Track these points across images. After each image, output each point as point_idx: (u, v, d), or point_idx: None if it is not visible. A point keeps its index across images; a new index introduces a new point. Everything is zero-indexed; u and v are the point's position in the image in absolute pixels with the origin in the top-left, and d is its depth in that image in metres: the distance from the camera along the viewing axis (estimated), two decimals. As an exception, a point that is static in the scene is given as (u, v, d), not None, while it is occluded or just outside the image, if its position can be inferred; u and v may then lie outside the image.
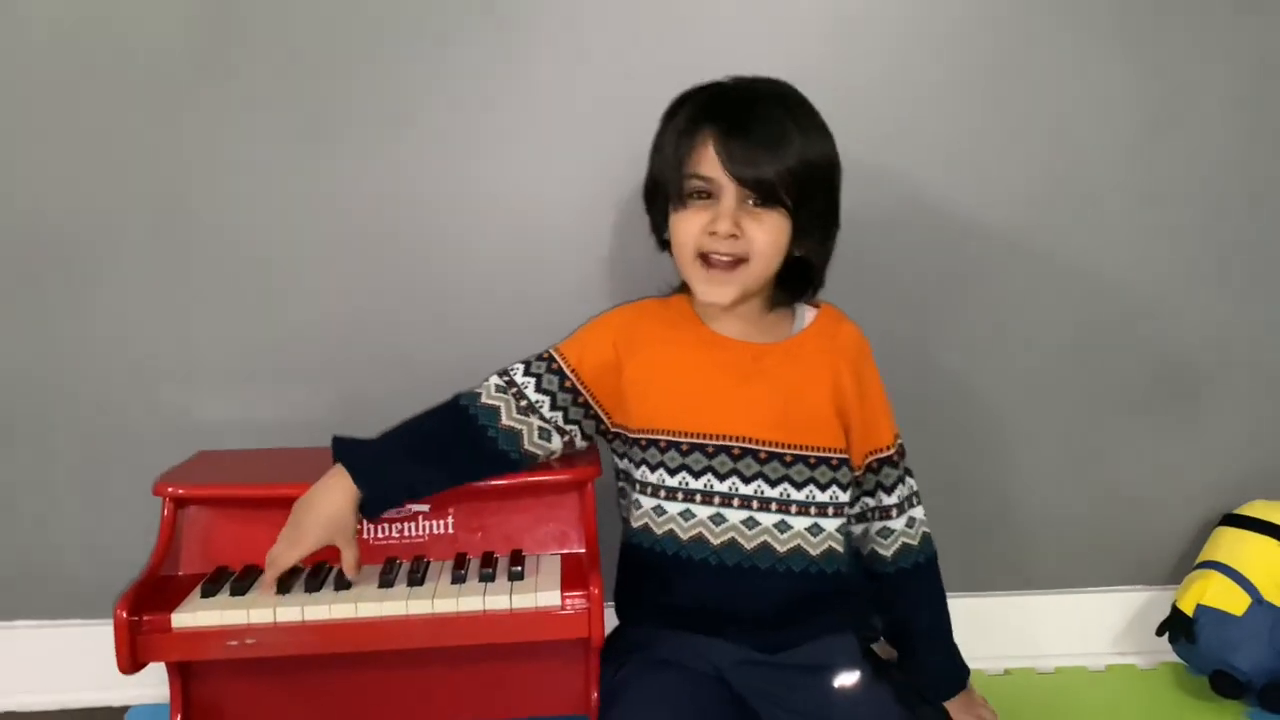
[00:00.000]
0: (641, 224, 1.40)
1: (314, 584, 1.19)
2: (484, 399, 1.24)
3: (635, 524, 1.25)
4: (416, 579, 1.20)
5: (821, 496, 1.23)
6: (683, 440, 1.22)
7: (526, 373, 1.26)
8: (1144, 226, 1.53)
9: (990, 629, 1.42)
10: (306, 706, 1.30)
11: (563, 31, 1.43)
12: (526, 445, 1.24)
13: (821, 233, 1.23)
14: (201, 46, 1.41)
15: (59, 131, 1.41)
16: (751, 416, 1.22)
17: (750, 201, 1.17)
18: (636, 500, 1.25)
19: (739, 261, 1.18)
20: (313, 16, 1.41)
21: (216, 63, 1.41)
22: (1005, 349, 1.54)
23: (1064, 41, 1.47)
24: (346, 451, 1.21)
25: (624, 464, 1.29)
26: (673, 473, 1.22)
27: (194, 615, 1.15)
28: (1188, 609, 1.47)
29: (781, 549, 1.21)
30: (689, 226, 1.19)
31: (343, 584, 1.19)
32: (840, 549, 1.24)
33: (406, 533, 1.27)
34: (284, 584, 1.18)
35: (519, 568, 1.21)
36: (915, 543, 1.30)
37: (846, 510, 1.26)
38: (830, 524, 1.23)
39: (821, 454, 1.23)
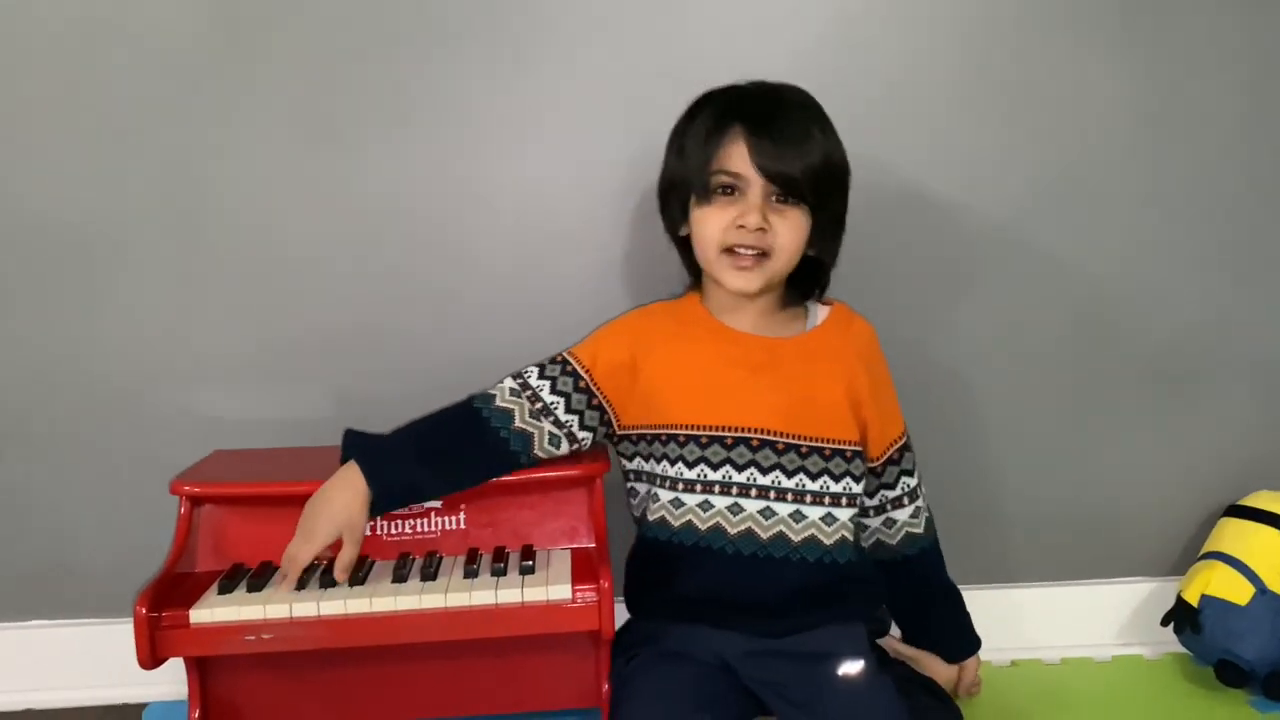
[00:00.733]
0: (644, 225, 1.43)
1: (329, 579, 1.20)
2: (498, 401, 1.26)
3: (651, 518, 1.26)
4: (430, 573, 1.21)
5: (836, 487, 1.25)
6: (701, 433, 1.24)
7: (541, 375, 1.28)
8: (1146, 219, 1.54)
9: (996, 621, 1.43)
10: (321, 700, 1.32)
11: (568, 34, 1.45)
12: (536, 449, 1.26)
13: (834, 233, 1.27)
14: (213, 48, 1.42)
15: (71, 132, 1.43)
16: (767, 408, 1.24)
17: (774, 198, 1.21)
18: (654, 494, 1.27)
19: (763, 256, 1.21)
20: (322, 18, 1.42)
21: (227, 64, 1.43)
22: (1011, 341, 1.55)
23: (1065, 36, 1.48)
24: (359, 449, 1.22)
25: (635, 463, 1.31)
26: (691, 465, 1.24)
27: (211, 611, 1.17)
28: (1192, 599, 1.48)
29: (796, 538, 1.23)
30: (715, 221, 1.22)
31: (357, 580, 1.21)
32: (852, 539, 1.27)
33: (419, 528, 1.29)
34: (299, 580, 1.20)
35: (530, 562, 1.23)
36: (920, 530, 1.35)
37: (860, 501, 1.28)
38: (843, 514, 1.25)
39: (836, 446, 1.25)
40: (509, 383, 1.28)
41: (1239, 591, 1.45)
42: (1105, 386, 1.58)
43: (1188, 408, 1.59)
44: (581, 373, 1.27)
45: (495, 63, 1.45)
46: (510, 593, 1.18)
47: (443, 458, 1.24)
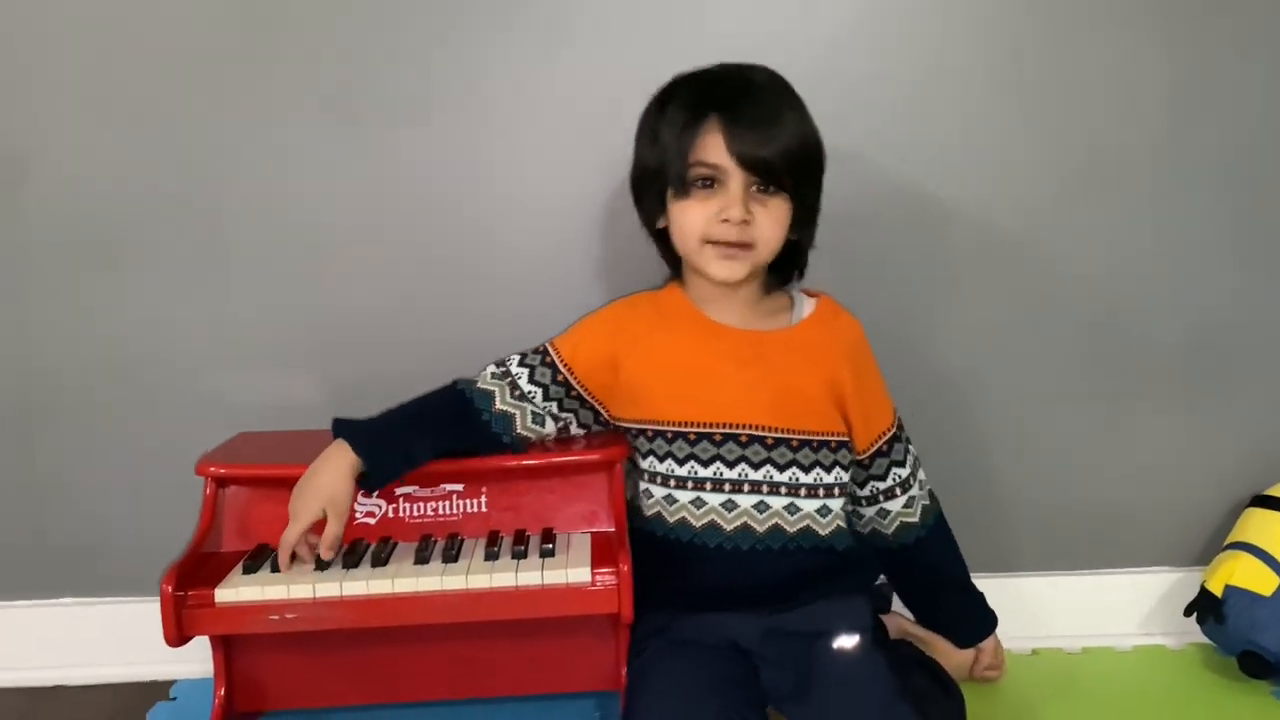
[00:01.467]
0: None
1: (351, 560, 1.22)
2: (479, 384, 1.28)
3: (647, 512, 1.27)
4: (451, 555, 1.23)
5: (828, 478, 1.25)
6: (689, 430, 1.24)
7: (521, 364, 1.29)
8: (1169, 210, 1.52)
9: (1017, 609, 1.43)
10: (344, 679, 1.34)
11: (591, 22, 1.44)
12: (519, 429, 1.27)
13: (811, 216, 1.25)
14: (236, 35, 1.43)
15: (97, 120, 1.45)
16: (755, 403, 1.24)
17: (755, 187, 1.19)
18: (647, 490, 1.27)
19: (746, 248, 1.20)
20: (345, 6, 1.43)
21: (250, 51, 1.44)
22: (1038, 331, 1.54)
23: (1088, 27, 1.47)
24: (344, 427, 1.23)
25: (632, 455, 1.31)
26: (681, 462, 1.24)
27: (236, 591, 1.18)
28: (1216, 589, 1.47)
29: (792, 530, 1.24)
30: (695, 215, 1.20)
31: (380, 560, 1.22)
32: (847, 526, 1.27)
33: (441, 510, 1.30)
34: (322, 560, 1.21)
35: (550, 545, 1.24)
36: (915, 519, 1.33)
37: (851, 490, 1.29)
38: (836, 504, 1.26)
39: (823, 437, 1.25)
40: (490, 368, 1.30)
41: (1263, 582, 1.44)
42: (1131, 376, 1.56)
43: (1214, 397, 1.58)
44: (560, 366, 1.28)
45: (517, 49, 1.45)
46: (530, 575, 1.19)
47: (428, 429, 1.25)
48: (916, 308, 1.50)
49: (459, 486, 1.30)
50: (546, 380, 1.28)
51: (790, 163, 1.17)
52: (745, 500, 1.23)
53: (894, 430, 1.31)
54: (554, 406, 1.28)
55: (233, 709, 1.30)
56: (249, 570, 1.21)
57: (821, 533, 1.24)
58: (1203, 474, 1.59)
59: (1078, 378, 1.56)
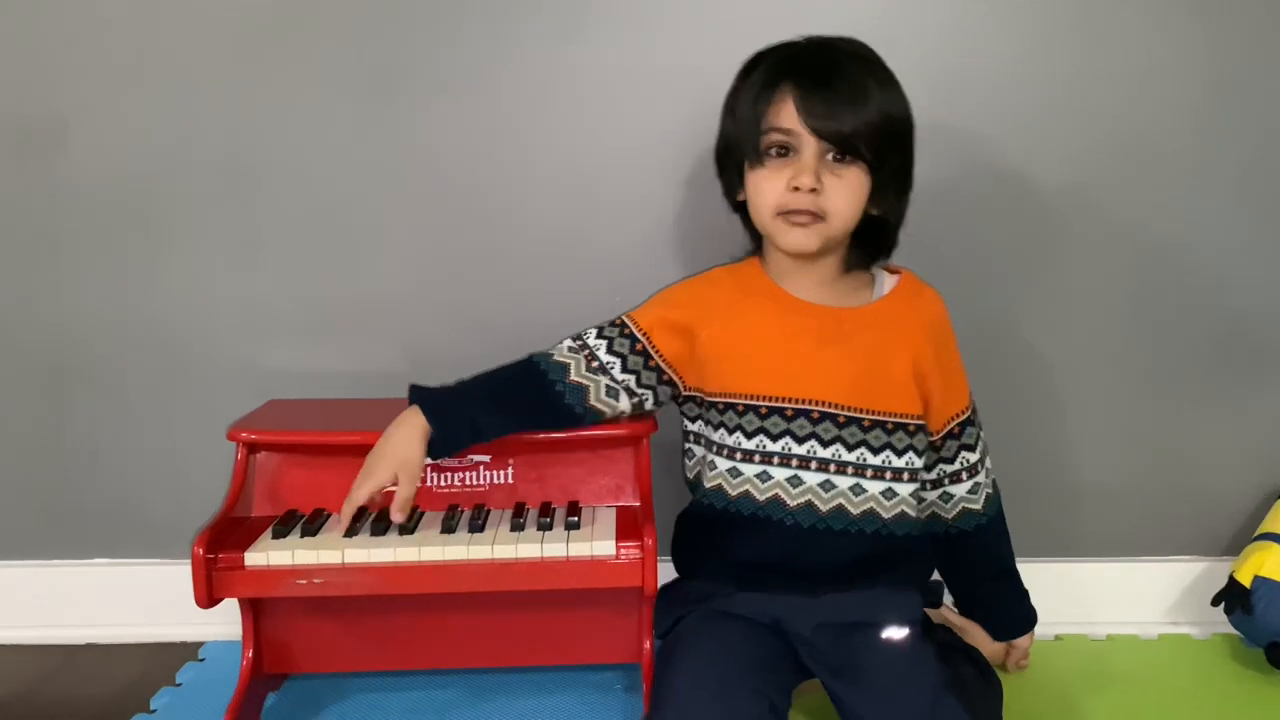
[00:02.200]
0: (698, 190, 1.42)
1: (380, 528, 1.23)
2: (555, 356, 1.27)
3: (708, 484, 1.26)
4: (477, 525, 1.24)
5: (898, 462, 1.23)
6: (761, 404, 1.23)
7: (599, 336, 1.27)
8: (1216, 193, 1.50)
9: (1043, 594, 1.42)
10: (369, 645, 1.36)
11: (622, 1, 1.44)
12: (592, 400, 1.25)
13: (897, 191, 1.23)
14: (275, 9, 1.44)
15: (137, 87, 1.46)
16: (831, 381, 1.22)
17: (830, 156, 1.17)
18: (711, 461, 1.26)
19: (818, 219, 1.18)
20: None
21: (290, 22, 1.45)
22: (1066, 311, 1.53)
23: (1134, 5, 1.44)
24: (420, 393, 1.24)
25: (696, 426, 1.31)
26: (750, 435, 1.23)
27: (266, 555, 1.20)
28: (1245, 580, 1.45)
29: (855, 511, 1.22)
30: (768, 185, 1.19)
31: (407, 529, 1.23)
32: (912, 513, 1.25)
33: (468, 481, 1.31)
34: (351, 527, 1.23)
35: (575, 518, 1.25)
36: (978, 506, 1.32)
37: (921, 476, 1.27)
38: (904, 489, 1.24)
39: (899, 420, 1.24)
40: (567, 341, 1.28)
41: (1293, 574, 1.43)
42: (1169, 364, 1.55)
43: (1251, 387, 1.56)
44: (639, 335, 1.26)
45: (553, 25, 1.45)
46: (556, 547, 1.20)
47: (501, 403, 1.25)
48: (960, 294, 1.48)
49: (486, 457, 1.31)
50: (625, 350, 1.26)
51: (867, 132, 1.15)
52: (811, 478, 1.22)
53: (967, 414, 1.30)
54: (632, 380, 1.26)
55: (260, 670, 1.32)
56: (278, 535, 1.23)
57: (885, 516, 1.23)
58: (1234, 463, 1.58)
59: (1114, 365, 1.55)
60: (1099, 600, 1.58)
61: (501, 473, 1.32)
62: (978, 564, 1.36)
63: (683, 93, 1.42)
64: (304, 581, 1.19)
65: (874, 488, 1.23)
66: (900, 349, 1.24)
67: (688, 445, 1.33)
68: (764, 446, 1.23)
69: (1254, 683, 1.45)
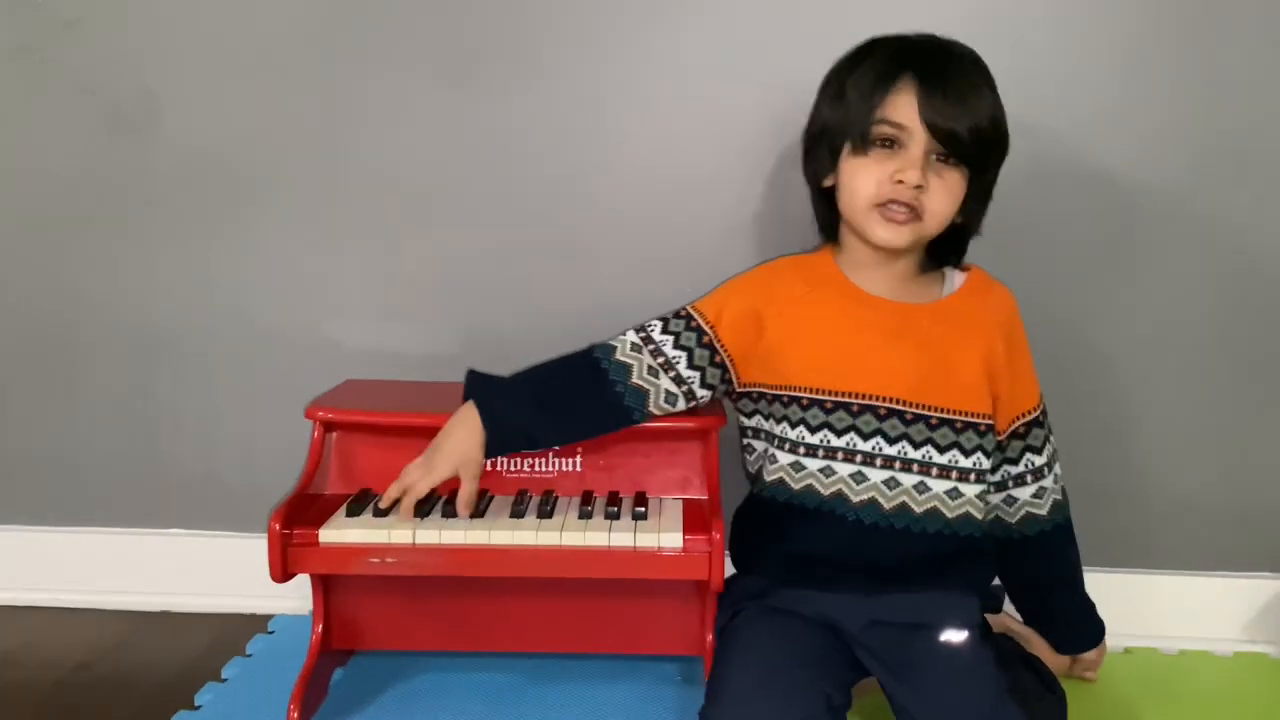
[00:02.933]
0: (776, 179, 1.41)
1: (450, 510, 1.25)
2: (618, 354, 1.26)
3: (769, 478, 1.25)
4: (546, 512, 1.25)
5: (965, 462, 1.22)
6: (826, 398, 1.22)
7: (665, 330, 1.26)
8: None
9: (1114, 605, 1.39)
10: (435, 626, 1.38)
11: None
12: (651, 406, 1.26)
13: (982, 201, 1.22)
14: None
15: (224, 68, 1.49)
16: (899, 377, 1.21)
17: (936, 156, 1.17)
18: (772, 455, 1.25)
19: (914, 217, 1.17)
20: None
21: (369, 6, 1.47)
22: (1151, 317, 1.50)
23: (1236, 5, 1.40)
24: (478, 390, 1.25)
25: (754, 421, 1.30)
26: (814, 430, 1.22)
27: (340, 532, 1.22)
28: (1327, 600, 1.42)
29: (919, 510, 1.21)
30: (870, 174, 1.17)
31: (476, 513, 1.24)
32: (978, 515, 1.23)
33: (538, 468, 1.32)
34: (422, 508, 1.24)
35: (643, 509, 1.25)
36: (1043, 512, 1.30)
37: (988, 477, 1.25)
38: (970, 490, 1.22)
39: (968, 419, 1.22)
40: (631, 336, 1.27)
41: (1380, 596, 1.38)
42: (1259, 373, 1.51)
43: (1335, 399, 1.51)
44: (706, 328, 1.26)
45: (631, 9, 1.45)
46: (623, 536, 1.21)
47: (558, 408, 1.25)
48: (1049, 295, 1.46)
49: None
50: (692, 344, 1.25)
51: (976, 138, 1.15)
52: (876, 475, 1.21)
53: (1035, 414, 1.28)
54: (697, 377, 1.25)
55: (329, 645, 1.35)
56: (352, 513, 1.25)
57: (948, 515, 1.22)
58: (1319, 480, 1.53)
59: (1203, 373, 1.51)
60: (1172, 614, 1.55)
61: (570, 460, 1.32)
62: (1040, 572, 1.33)
63: (769, 86, 1.41)
64: (376, 560, 1.21)
65: (939, 487, 1.21)
66: (971, 346, 1.22)
67: (746, 440, 1.33)
68: (828, 441, 1.22)
69: (1332, 706, 1.41)
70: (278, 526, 1.20)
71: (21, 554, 1.62)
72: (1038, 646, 1.36)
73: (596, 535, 1.21)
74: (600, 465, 1.33)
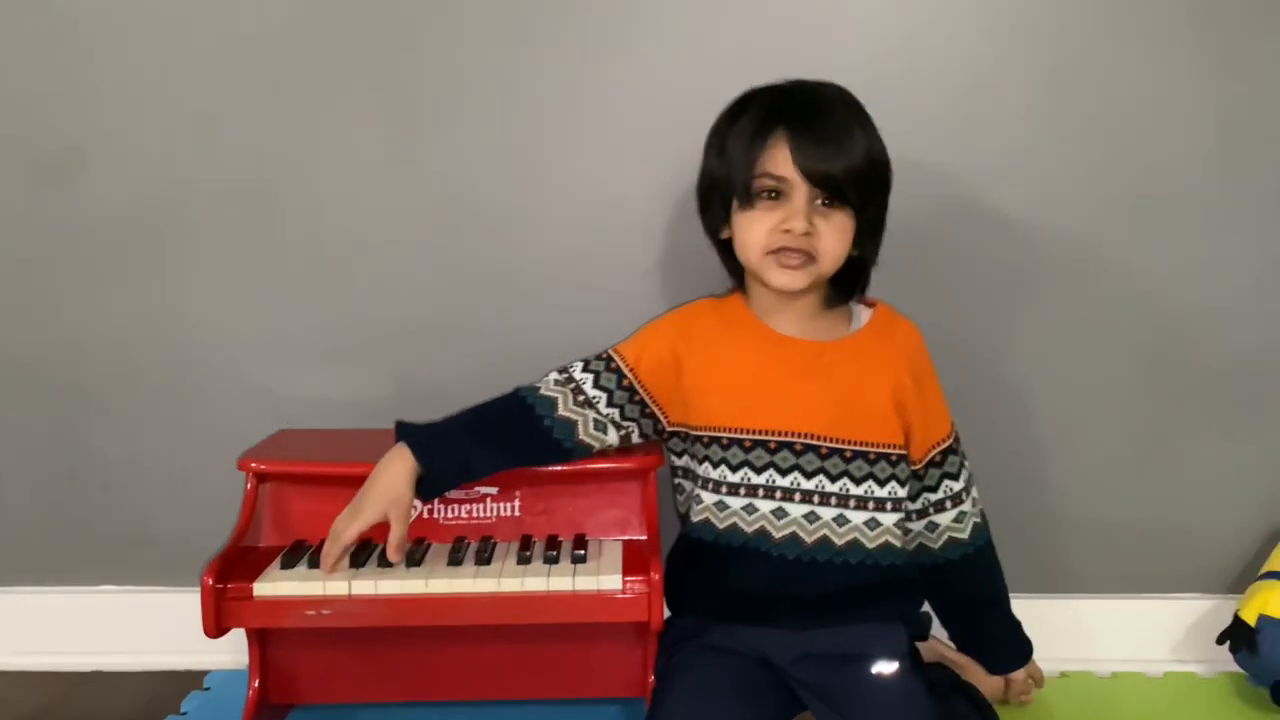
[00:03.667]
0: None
1: (387, 560, 1.23)
2: (542, 390, 1.28)
3: (695, 519, 1.27)
4: (484, 558, 1.24)
5: (880, 492, 1.25)
6: (745, 437, 1.24)
7: (585, 369, 1.29)
8: (1215, 231, 1.51)
9: (1048, 632, 1.42)
10: (374, 676, 1.37)
11: (639, 29, 1.46)
12: (581, 435, 1.27)
13: (875, 233, 1.26)
14: (292, 33, 1.46)
15: (155, 112, 1.48)
16: (812, 413, 1.24)
17: (820, 201, 1.20)
18: (697, 495, 1.27)
19: (809, 260, 1.21)
20: (397, 9, 1.45)
21: (305, 49, 1.47)
22: (1069, 350, 1.54)
23: (1142, 46, 1.46)
24: (407, 431, 1.25)
25: (683, 461, 1.32)
26: (735, 469, 1.25)
27: (274, 585, 1.20)
28: (1250, 619, 1.45)
29: (839, 542, 1.24)
30: (759, 226, 1.21)
31: (414, 561, 1.24)
32: (897, 544, 1.26)
33: (475, 514, 1.32)
34: (358, 558, 1.23)
35: (582, 551, 1.25)
36: (964, 535, 1.33)
37: (905, 506, 1.28)
38: (887, 519, 1.25)
39: (881, 450, 1.25)
40: (553, 375, 1.30)
41: (1299, 613, 1.43)
42: (1173, 400, 1.55)
43: (1256, 425, 1.56)
44: (625, 371, 1.28)
45: (567, 54, 1.47)
46: (562, 580, 1.21)
47: (489, 438, 1.26)
48: (963, 328, 1.50)
49: (493, 490, 1.32)
50: (611, 385, 1.28)
51: (854, 178, 1.18)
52: (795, 509, 1.23)
53: (949, 442, 1.31)
54: (617, 414, 1.28)
55: (266, 701, 1.33)
56: (287, 565, 1.23)
57: (869, 546, 1.24)
58: (1241, 501, 1.58)
59: (1119, 401, 1.55)
60: (1104, 638, 1.58)
61: (508, 505, 1.32)
62: (966, 594, 1.36)
63: (697, 123, 1.43)
64: (312, 612, 1.20)
65: (857, 518, 1.24)
66: (879, 380, 1.26)
67: (676, 480, 1.35)
68: (749, 479, 1.24)
69: (1259, 722, 1.44)
70: (211, 581, 1.19)
71: (-56, 617, 1.57)
72: (972, 674, 1.38)
73: (535, 580, 1.21)
74: (539, 509, 1.33)
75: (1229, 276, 1.52)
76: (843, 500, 1.24)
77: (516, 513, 1.32)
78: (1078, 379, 1.55)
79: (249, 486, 1.30)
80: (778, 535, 1.23)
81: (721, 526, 1.25)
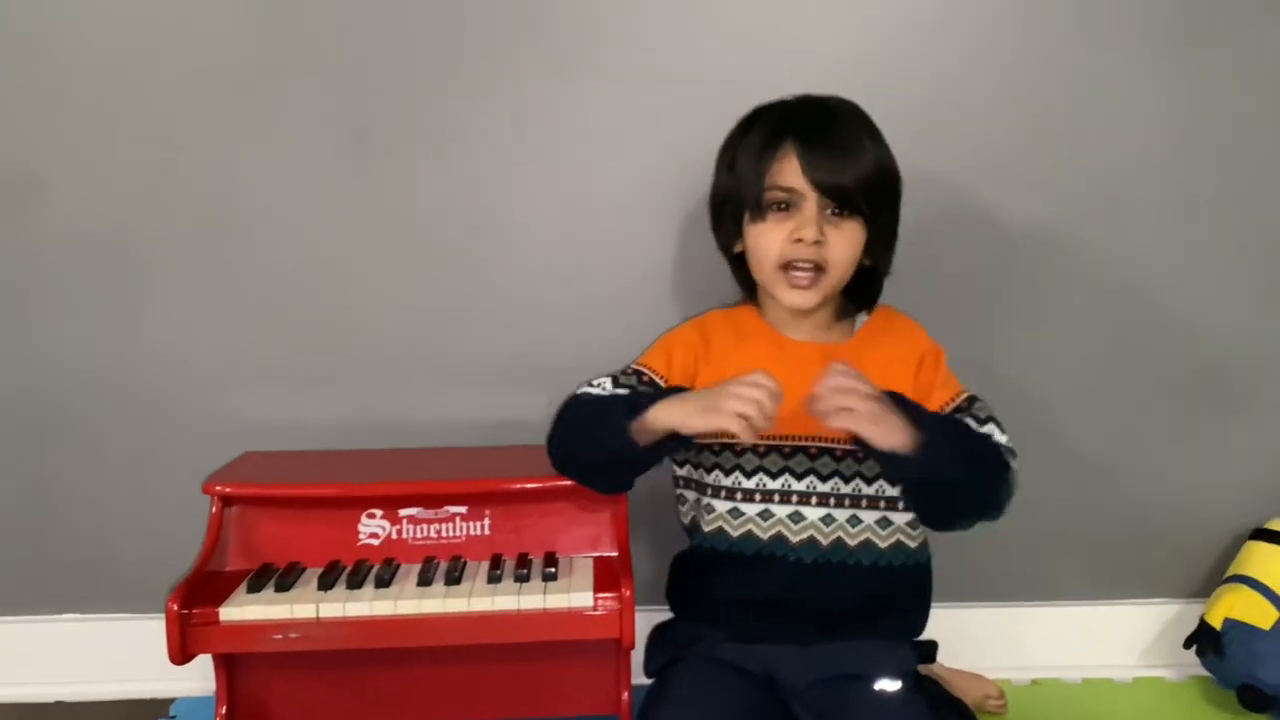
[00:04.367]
0: (680, 239, 1.43)
1: (355, 581, 1.23)
2: (595, 392, 1.25)
3: (707, 528, 1.26)
4: (454, 578, 1.23)
5: (891, 490, 1.25)
6: (759, 442, 1.24)
7: (616, 385, 1.27)
8: (1181, 236, 1.53)
9: (1019, 639, 1.43)
10: (345, 700, 1.35)
11: (607, 49, 1.47)
12: None
13: (887, 242, 1.27)
14: (253, 61, 1.46)
15: (115, 140, 1.47)
16: None
17: (830, 211, 1.21)
18: (709, 505, 1.27)
19: (819, 271, 1.21)
20: (363, 32, 1.45)
21: (269, 76, 1.46)
22: (1038, 357, 1.55)
23: (1107, 50, 1.48)
24: (658, 393, 1.20)
25: (685, 470, 1.32)
26: (749, 475, 1.25)
27: (241, 610, 1.19)
28: (1216, 622, 1.47)
29: (852, 543, 1.24)
30: (772, 237, 1.22)
31: (382, 581, 1.23)
32: (911, 544, 1.26)
33: (444, 533, 1.31)
34: (326, 580, 1.22)
35: (553, 569, 1.25)
36: (1006, 443, 1.26)
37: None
38: (899, 518, 1.25)
39: None
40: (584, 388, 1.26)
41: (1262, 615, 1.44)
42: (1138, 404, 1.57)
43: (1219, 429, 1.58)
44: (659, 381, 1.27)
45: (533, 77, 1.47)
46: (533, 599, 1.20)
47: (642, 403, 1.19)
48: (936, 329, 1.50)
49: (463, 509, 1.31)
50: (650, 394, 1.24)
51: (863, 187, 1.20)
52: (812, 513, 1.24)
53: (959, 400, 1.27)
54: None
55: (233, 728, 1.31)
56: (253, 589, 1.22)
57: (881, 545, 1.24)
58: (1206, 506, 1.60)
59: (1083, 405, 1.57)
60: (1074, 644, 1.60)
61: (478, 524, 1.32)
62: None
63: (665, 143, 1.45)
64: (279, 636, 1.19)
65: (869, 517, 1.25)
66: (887, 374, 1.25)
67: (678, 490, 1.34)
68: (764, 485, 1.24)
69: (1227, 725, 1.46)
70: (175, 607, 1.17)
71: (-99, 650, 1.54)
72: (957, 687, 1.38)
73: (506, 599, 1.20)
74: (509, 528, 1.32)
75: (1195, 279, 1.54)
76: (855, 501, 1.24)
77: (487, 531, 1.31)
78: (1044, 387, 1.56)
79: (214, 510, 1.29)
80: (794, 540, 1.23)
81: (736, 535, 1.25)
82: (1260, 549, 1.52)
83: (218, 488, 1.28)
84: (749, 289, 1.33)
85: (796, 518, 1.24)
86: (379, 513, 1.30)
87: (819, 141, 1.19)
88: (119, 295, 1.50)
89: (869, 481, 1.25)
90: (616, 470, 1.24)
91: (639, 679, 1.30)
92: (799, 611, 1.23)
